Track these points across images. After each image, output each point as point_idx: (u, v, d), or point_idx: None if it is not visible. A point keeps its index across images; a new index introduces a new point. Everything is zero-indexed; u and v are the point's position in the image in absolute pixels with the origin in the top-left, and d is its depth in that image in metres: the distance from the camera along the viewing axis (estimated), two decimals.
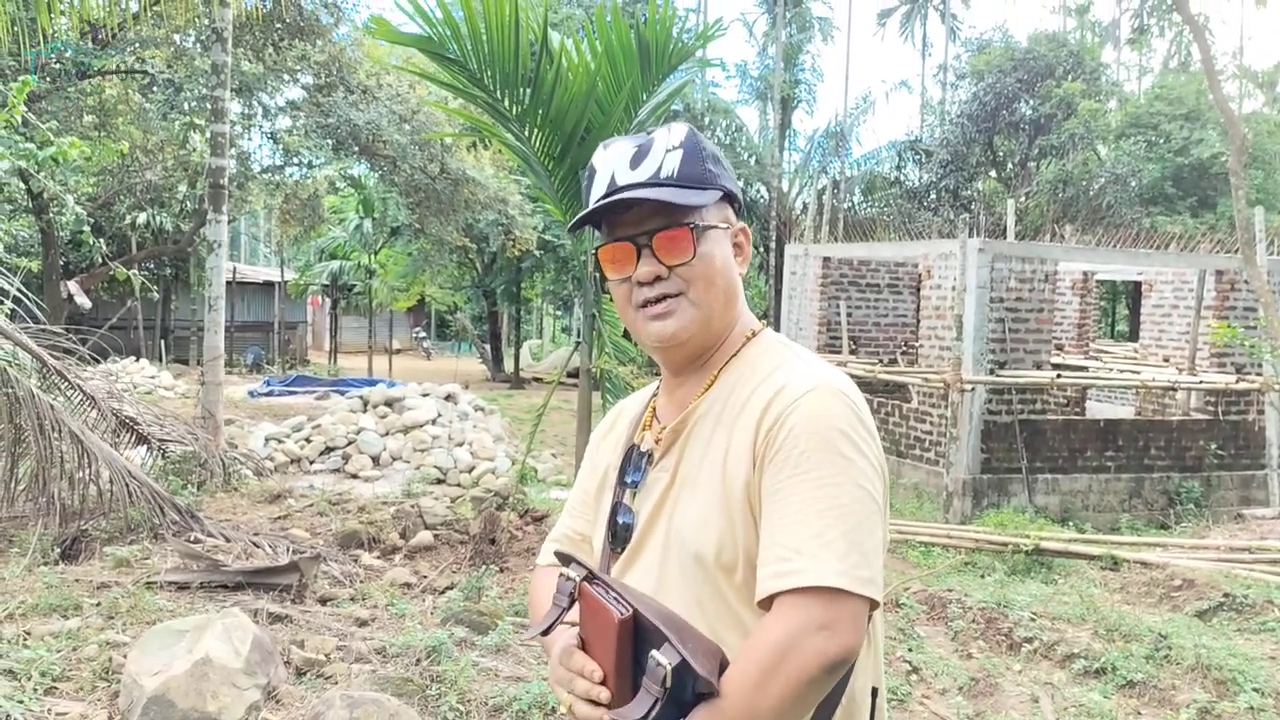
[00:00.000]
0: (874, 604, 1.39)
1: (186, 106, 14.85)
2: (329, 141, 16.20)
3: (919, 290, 13.76)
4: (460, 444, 12.05)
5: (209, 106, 11.41)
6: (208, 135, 11.49)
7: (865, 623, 1.39)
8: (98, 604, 5.40)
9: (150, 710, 4.06)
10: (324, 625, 5.45)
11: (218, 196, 10.64)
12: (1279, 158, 23.01)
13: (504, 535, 6.94)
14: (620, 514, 1.63)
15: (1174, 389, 12.17)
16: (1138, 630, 5.84)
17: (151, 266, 23.27)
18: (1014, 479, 11.05)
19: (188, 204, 18.63)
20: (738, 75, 29.08)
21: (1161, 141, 22.94)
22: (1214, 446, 11.90)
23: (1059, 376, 11.24)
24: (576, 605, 1.50)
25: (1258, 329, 11.08)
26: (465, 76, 6.12)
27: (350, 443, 11.81)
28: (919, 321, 13.24)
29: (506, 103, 6.16)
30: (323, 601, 5.94)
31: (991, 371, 10.94)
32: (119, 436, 8.07)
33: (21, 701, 4.13)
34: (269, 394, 19.00)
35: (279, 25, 14.13)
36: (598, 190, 1.59)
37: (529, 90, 6.06)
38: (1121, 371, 13.28)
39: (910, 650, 5.64)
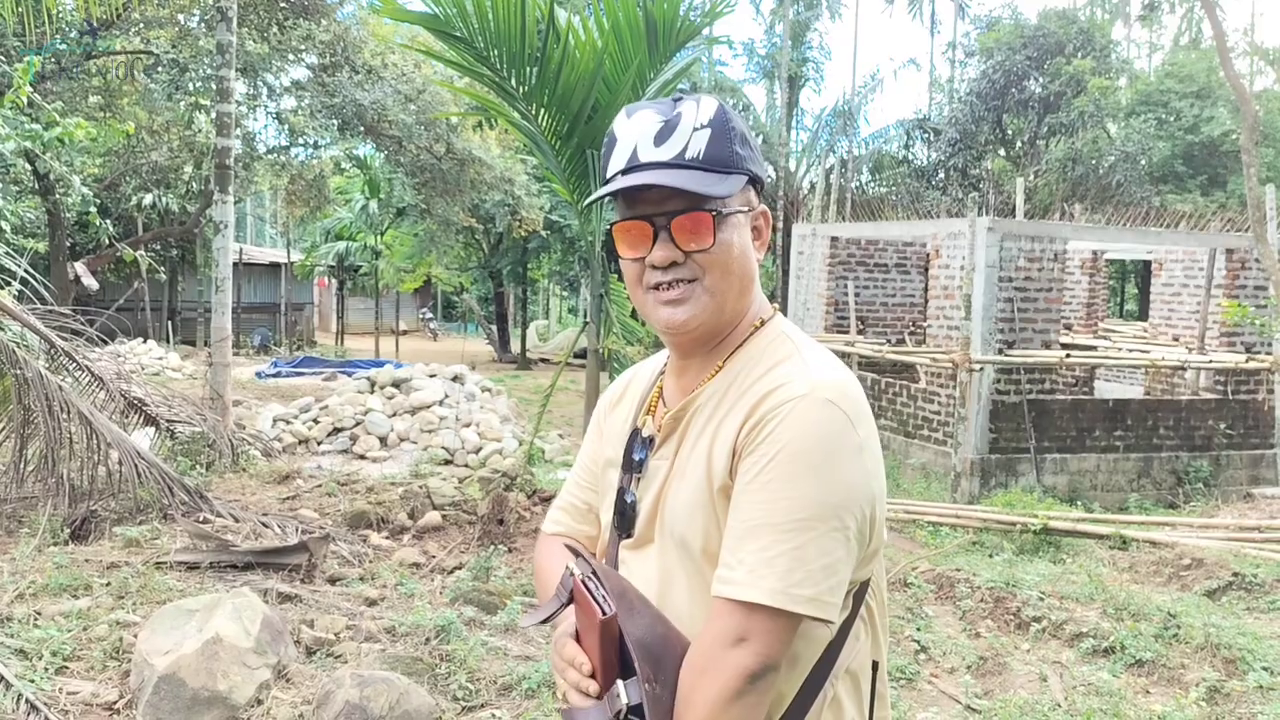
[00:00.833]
0: (823, 620, 1.38)
1: (191, 87, 14.82)
2: (334, 121, 16.16)
3: (927, 270, 13.70)
4: (467, 425, 12.05)
5: (214, 87, 11.38)
6: (213, 116, 11.46)
7: (791, 636, 1.38)
8: (108, 584, 5.42)
9: (161, 689, 4.08)
10: (333, 605, 5.47)
11: (224, 177, 10.63)
12: None
13: (512, 515, 6.95)
14: (622, 497, 1.62)
15: (1183, 368, 12.13)
16: (1146, 609, 5.84)
17: (158, 248, 23.26)
18: (1022, 459, 11.03)
19: (194, 185, 18.64)
20: (745, 53, 28.92)
21: (1172, 119, 22.80)
22: (1223, 426, 11.86)
23: (1068, 356, 11.20)
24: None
25: (1268, 308, 11.02)
26: (471, 55, 6.10)
27: (358, 424, 11.82)
28: (927, 301, 13.19)
29: (513, 81, 6.13)
30: (332, 581, 5.95)
31: (1000, 351, 10.91)
32: (127, 417, 8.09)
33: (33, 681, 4.15)
34: (276, 375, 19.01)
35: (283, 4, 14.10)
36: (617, 162, 1.52)
37: (535, 69, 6.03)
38: (1130, 351, 13.23)
39: (919, 630, 5.64)
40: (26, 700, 3.98)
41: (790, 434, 1.39)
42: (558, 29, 6.00)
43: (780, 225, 21.79)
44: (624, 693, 1.36)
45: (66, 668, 4.42)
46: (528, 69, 6.06)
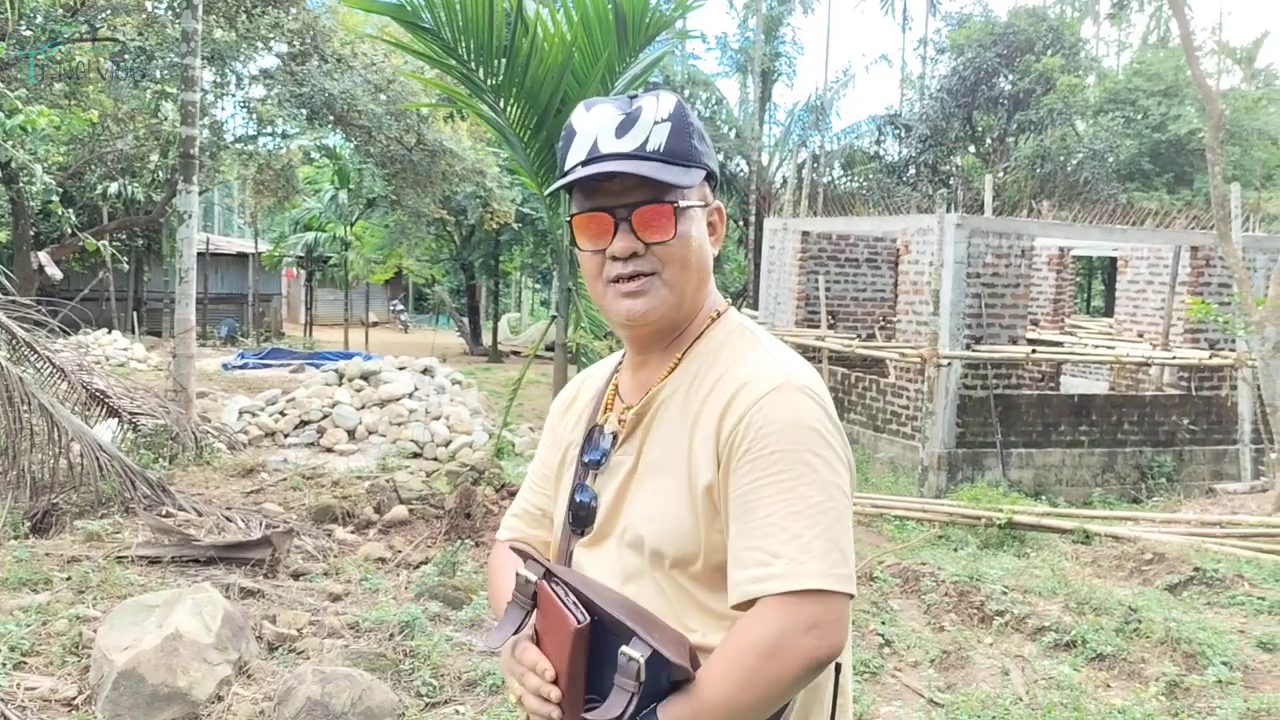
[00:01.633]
0: (851, 597, 1.39)
1: (158, 74, 14.63)
2: (303, 111, 16.02)
3: (897, 265, 13.77)
4: (437, 418, 12.00)
5: (180, 75, 11.25)
6: (179, 104, 11.33)
7: (849, 618, 1.40)
8: (68, 578, 5.36)
9: (120, 685, 4.04)
10: (296, 600, 5.43)
11: (189, 166, 10.51)
12: (1256, 134, 23.10)
13: (480, 510, 6.92)
14: (580, 494, 1.60)
15: (1148, 364, 12.25)
16: (1108, 604, 5.89)
17: (123, 237, 22.99)
18: (988, 453, 11.11)
19: (159, 174, 18.40)
20: (718, 47, 28.90)
21: (1139, 117, 22.99)
22: (1186, 422, 12.00)
23: (1034, 352, 11.29)
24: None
25: (1231, 305, 11.14)
26: (439, 46, 6.05)
27: (325, 416, 11.74)
28: (897, 296, 13.26)
29: (481, 74, 6.10)
30: (295, 576, 5.91)
31: (968, 346, 10.98)
32: (90, 409, 8.00)
33: None
34: (243, 367, 18.84)
35: None
36: (577, 154, 1.52)
37: (504, 61, 6.00)
38: (1096, 347, 13.36)
39: (883, 623, 5.67)
40: None
41: (781, 425, 1.41)
42: (526, 21, 5.97)
43: (752, 219, 21.83)
44: (635, 652, 1.33)
45: (25, 663, 4.37)
46: (496, 61, 6.02)
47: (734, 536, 1.41)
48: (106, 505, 6.63)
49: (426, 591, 5.65)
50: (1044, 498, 10.47)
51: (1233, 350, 11.92)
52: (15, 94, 9.26)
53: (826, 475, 1.41)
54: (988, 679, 5.05)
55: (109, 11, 14.29)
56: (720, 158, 25.65)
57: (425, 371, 13.17)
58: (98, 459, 6.75)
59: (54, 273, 15.26)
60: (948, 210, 11.26)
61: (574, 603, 1.41)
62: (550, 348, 7.72)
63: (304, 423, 11.69)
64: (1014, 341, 11.32)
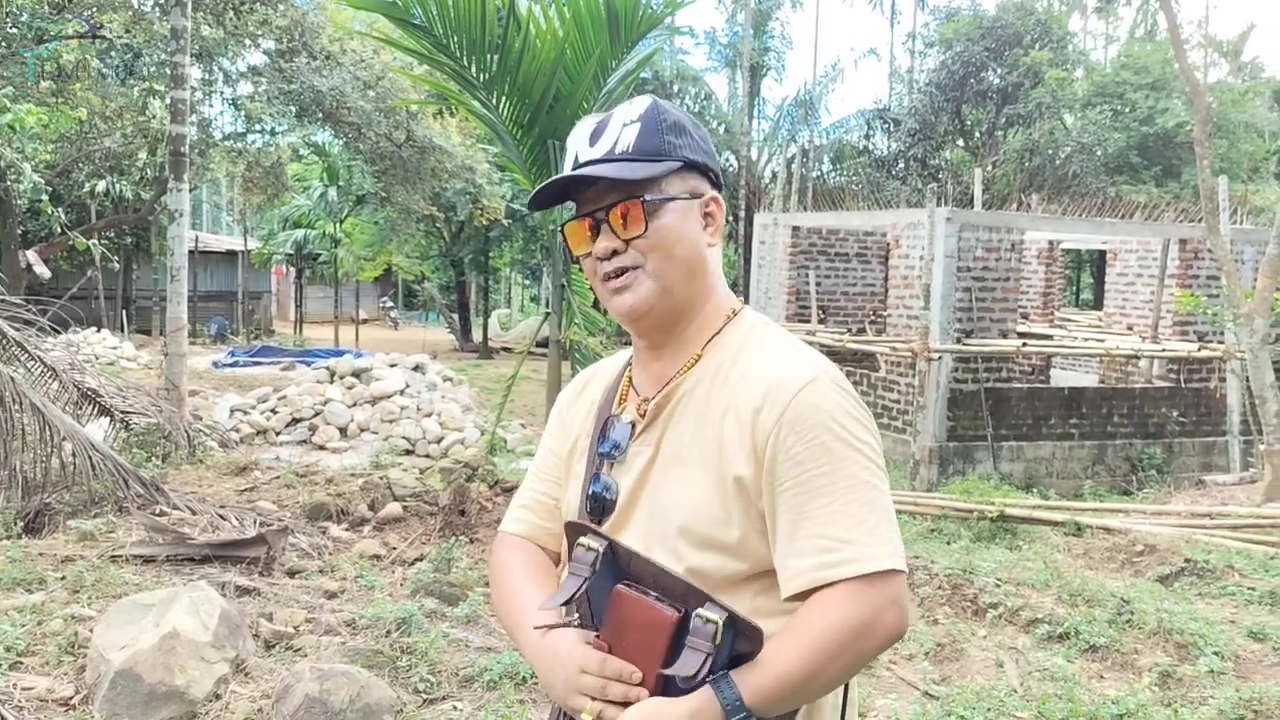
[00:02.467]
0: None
1: (145, 72, 14.59)
2: (292, 108, 15.99)
3: (887, 259, 13.80)
4: (429, 415, 12.00)
5: (168, 72, 11.21)
6: (167, 101, 11.29)
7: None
8: (62, 578, 5.35)
9: (118, 684, 4.04)
10: (292, 598, 5.43)
11: (179, 164, 10.48)
12: (1243, 127, 23.21)
13: (474, 506, 6.93)
14: (595, 484, 1.61)
15: (1137, 357, 12.31)
16: (1100, 595, 5.92)
17: (112, 235, 22.90)
18: (979, 446, 11.15)
19: (148, 172, 18.34)
20: (706, 42, 28.89)
21: (1127, 110, 23.07)
22: (1176, 414, 12.06)
23: (1024, 345, 11.33)
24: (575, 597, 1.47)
25: (1220, 297, 11.20)
26: (430, 42, 6.05)
27: (317, 414, 11.73)
28: (887, 291, 13.29)
29: (473, 70, 6.09)
30: (291, 574, 5.91)
31: (958, 340, 11.01)
32: (81, 408, 7.98)
33: None
34: (233, 365, 18.81)
35: None
36: (566, 167, 1.61)
37: (496, 57, 5.99)
38: (1085, 340, 13.41)
39: None
40: None
41: (824, 417, 1.47)
42: (518, 17, 5.97)
43: (742, 214, 21.85)
44: (711, 614, 1.36)
45: (21, 663, 4.36)
46: (488, 57, 6.02)
47: (788, 527, 1.45)
48: (100, 504, 6.62)
49: (422, 588, 5.65)
50: (1035, 490, 10.51)
51: (1221, 343, 11.98)
52: (2, 91, 9.22)
53: (874, 459, 1.49)
54: (982, 671, 5.08)
55: (95, 9, 14.23)
56: None
57: (416, 368, 13.17)
58: (90, 458, 6.73)
59: (42, 271, 15.21)
60: (938, 204, 11.29)
61: (657, 596, 1.41)
62: (543, 344, 7.73)
63: (296, 420, 11.68)
64: (1004, 335, 11.36)
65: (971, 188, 15.62)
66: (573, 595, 1.46)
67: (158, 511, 6.57)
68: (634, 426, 1.61)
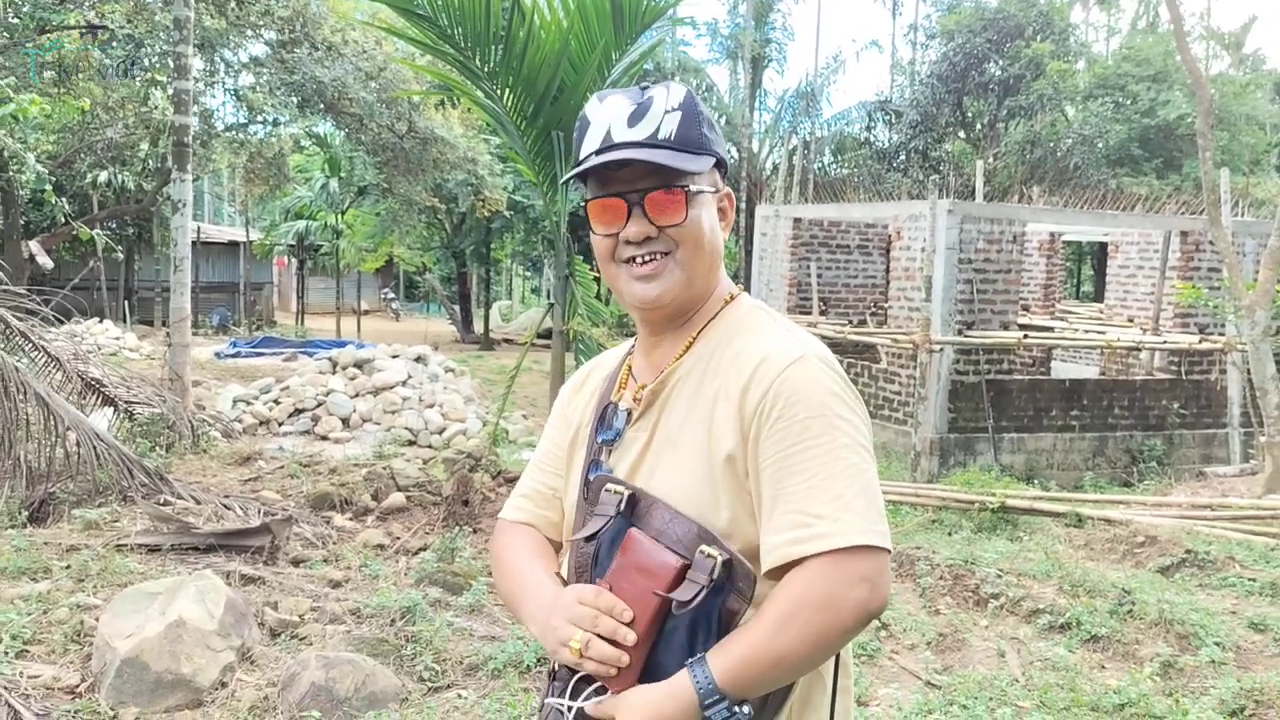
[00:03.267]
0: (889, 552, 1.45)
1: (147, 63, 14.57)
2: (294, 99, 15.97)
3: (889, 251, 13.80)
4: (431, 406, 12.01)
5: (170, 63, 11.20)
6: (170, 92, 11.29)
7: (888, 571, 1.44)
8: (67, 567, 5.37)
9: (124, 672, 4.06)
10: (297, 587, 5.45)
11: (181, 155, 10.49)
12: (1244, 119, 23.16)
13: (477, 496, 6.95)
14: (594, 471, 1.63)
15: (1138, 349, 12.31)
16: (1102, 586, 5.94)
17: (114, 226, 22.89)
18: (980, 438, 11.17)
19: (150, 162, 18.34)
20: (708, 34, 28.84)
21: (1129, 103, 23.03)
22: (1176, 406, 12.07)
23: (1026, 337, 11.34)
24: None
25: (1221, 289, 11.20)
26: (434, 32, 6.05)
27: (319, 404, 11.74)
28: (888, 282, 13.29)
29: (477, 60, 6.10)
30: (295, 563, 5.93)
31: (959, 332, 11.02)
32: (85, 398, 8.00)
33: None
34: (236, 355, 18.83)
35: None
36: (591, 143, 1.58)
37: (500, 48, 6.00)
38: (1086, 332, 13.41)
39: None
40: None
41: (809, 393, 1.47)
42: (523, 8, 5.97)
43: (744, 206, 21.84)
44: (714, 551, 1.40)
45: (27, 651, 4.38)
46: (492, 48, 6.03)
47: (767, 503, 1.45)
48: (104, 494, 6.64)
49: (426, 577, 5.67)
50: (1036, 482, 10.53)
51: (1222, 335, 11.98)
52: (5, 82, 9.21)
53: (856, 437, 1.48)
54: (984, 661, 5.10)
55: (97, 0, 14.21)
56: None
57: (418, 359, 13.18)
58: (94, 448, 6.75)
59: (45, 262, 15.20)
60: (939, 196, 11.29)
61: (665, 546, 1.45)
62: (545, 335, 7.74)
63: (298, 411, 11.70)
64: (1005, 327, 11.36)
65: (973, 180, 15.62)
66: (599, 530, 1.51)
67: (162, 501, 6.59)
68: (630, 413, 1.64)
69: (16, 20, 13.12)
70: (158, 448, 8.34)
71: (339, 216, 27.27)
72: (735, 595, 1.42)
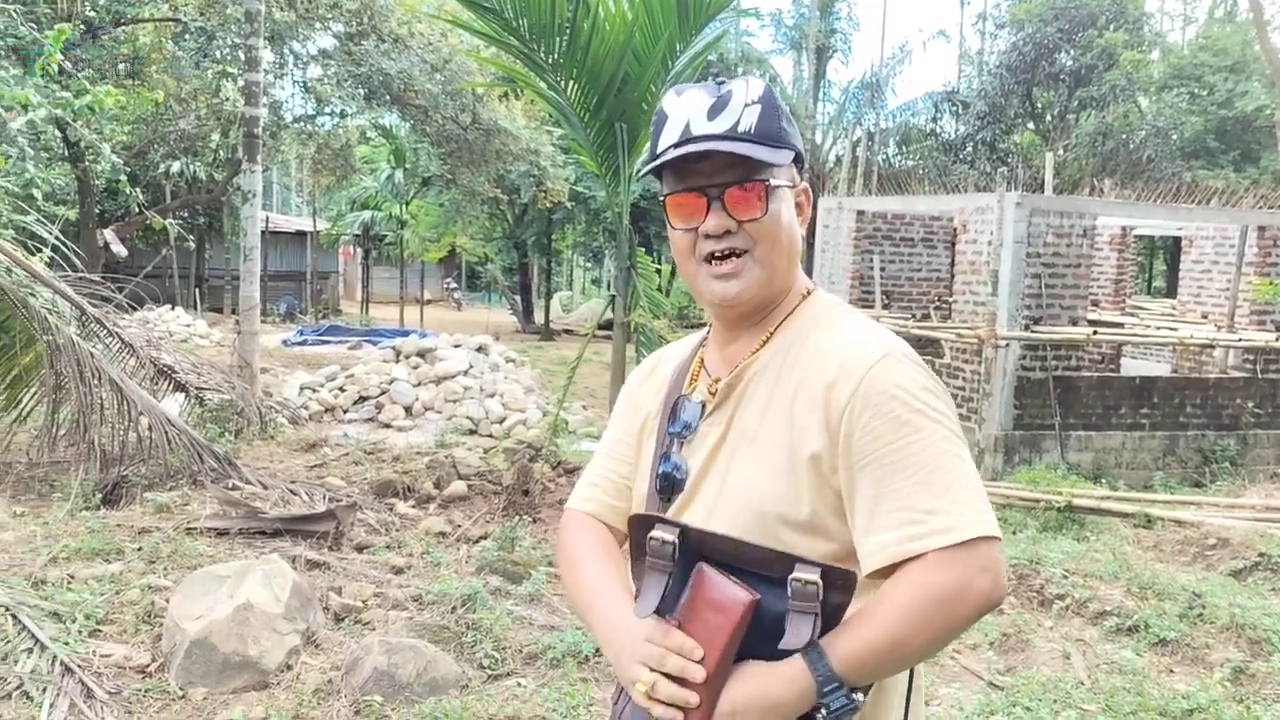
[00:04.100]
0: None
1: (219, 55, 14.83)
2: (361, 91, 16.16)
3: (954, 245, 13.62)
4: (491, 395, 12.10)
5: (241, 55, 11.40)
6: (240, 84, 11.48)
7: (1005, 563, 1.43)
8: (139, 549, 5.49)
9: (193, 653, 4.15)
10: (361, 572, 5.53)
11: (251, 146, 10.66)
12: None
13: (537, 486, 6.99)
14: (665, 463, 1.62)
15: (1212, 346, 12.02)
16: (1171, 589, 5.83)
17: (186, 215, 23.35)
18: (1047, 435, 10.98)
19: (221, 153, 18.68)
20: (772, 24, 28.64)
21: (1205, 93, 22.47)
22: (1251, 405, 11.76)
23: (1095, 333, 11.12)
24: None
25: None
26: (499, 24, 6.08)
27: (383, 392, 11.89)
28: (953, 276, 13.11)
29: (541, 52, 6.11)
30: (359, 549, 6.02)
31: (1026, 327, 10.84)
32: (157, 384, 8.17)
33: (67, 643, 4.23)
34: (302, 343, 19.14)
35: None
36: (669, 137, 1.57)
37: (565, 39, 6.01)
38: (1158, 328, 13.12)
39: None
40: (61, 662, 4.05)
41: (899, 390, 1.45)
42: (587, 0, 5.97)
43: None
44: (805, 574, 1.36)
45: (99, 631, 4.50)
46: (556, 39, 6.04)
47: (868, 503, 1.43)
48: (175, 478, 6.79)
49: (487, 566, 5.72)
50: (1104, 481, 10.33)
51: None
52: (82, 74, 9.43)
53: (952, 428, 1.47)
54: (1048, 662, 5.02)
55: None
56: None
57: (480, 349, 13.28)
58: (166, 432, 6.90)
59: (119, 250, 15.54)
60: (1007, 189, 11.10)
61: (736, 580, 1.40)
62: (606, 326, 7.75)
63: (362, 398, 11.85)
64: (1074, 323, 11.15)
65: (1042, 172, 15.34)
66: (664, 593, 1.44)
67: (231, 486, 6.72)
68: (704, 406, 1.62)
69: (94, 13, 13.43)
70: (227, 433, 8.50)
71: (403, 207, 27.57)
72: (837, 592, 1.38)
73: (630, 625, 1.48)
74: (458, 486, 7.37)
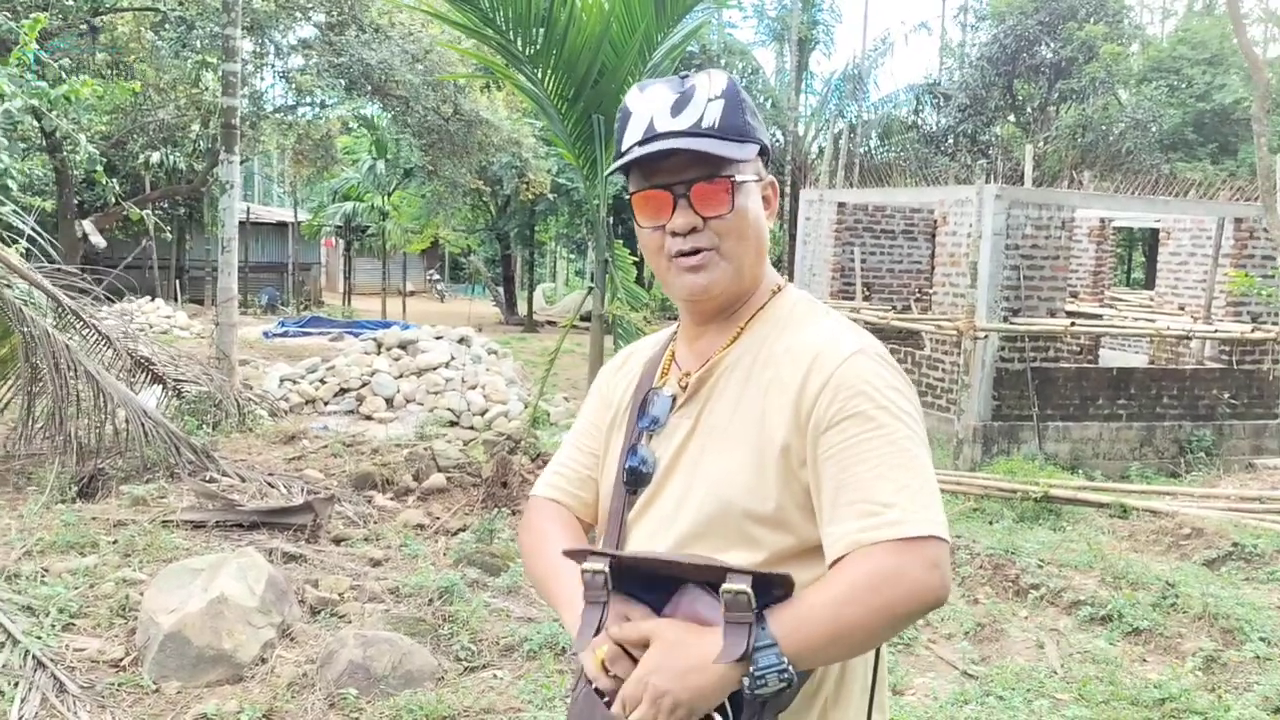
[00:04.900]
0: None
1: (198, 44, 14.71)
2: (341, 81, 16.05)
3: (934, 237, 13.66)
4: (473, 387, 12.09)
5: (221, 45, 11.33)
6: (220, 74, 11.42)
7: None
8: (114, 542, 5.47)
9: (167, 647, 4.14)
10: (338, 565, 5.52)
11: (230, 137, 10.60)
12: None
13: (516, 478, 6.99)
14: (632, 456, 1.63)
15: (1188, 338, 12.10)
16: (1145, 578, 5.87)
17: (166, 206, 23.20)
18: (1025, 426, 11.04)
19: (200, 143, 18.54)
20: (754, 15, 28.62)
21: (1183, 86, 22.59)
22: (1227, 395, 11.86)
23: (1073, 324, 11.18)
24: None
25: (1275, 277, 10.98)
26: (477, 16, 6.07)
27: (364, 384, 11.86)
28: (933, 268, 13.16)
29: (519, 44, 6.10)
30: (336, 542, 6.01)
31: (1005, 319, 10.89)
32: (134, 376, 8.14)
33: (39, 637, 4.21)
34: (283, 335, 19.07)
35: None
36: (634, 134, 1.57)
37: (542, 31, 6.00)
38: (1136, 320, 13.20)
39: None
40: (34, 656, 4.03)
41: (868, 386, 1.47)
42: None
43: (788, 190, 21.71)
44: (735, 584, 1.34)
45: (73, 625, 4.48)
46: (534, 30, 6.02)
47: (829, 493, 1.44)
48: (152, 470, 6.76)
49: (464, 558, 5.73)
50: (1081, 471, 10.41)
51: (1275, 324, 11.75)
52: (59, 63, 9.36)
53: (916, 429, 1.48)
54: (1023, 652, 5.06)
55: None
56: None
57: (461, 341, 13.25)
58: (143, 425, 6.87)
59: (98, 241, 15.39)
60: (986, 181, 11.14)
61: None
62: (586, 318, 7.75)
63: (343, 390, 11.82)
64: (1053, 314, 11.21)
65: (1022, 164, 15.40)
66: (599, 626, 1.45)
67: (208, 478, 6.70)
68: (674, 400, 1.63)
69: (71, 2, 13.31)
70: (204, 425, 8.46)
71: (385, 198, 27.48)
72: (777, 596, 1.38)
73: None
74: (437, 479, 7.36)
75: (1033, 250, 11.04)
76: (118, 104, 15.21)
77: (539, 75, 6.26)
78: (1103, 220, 15.01)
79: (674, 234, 1.55)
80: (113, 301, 10.15)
